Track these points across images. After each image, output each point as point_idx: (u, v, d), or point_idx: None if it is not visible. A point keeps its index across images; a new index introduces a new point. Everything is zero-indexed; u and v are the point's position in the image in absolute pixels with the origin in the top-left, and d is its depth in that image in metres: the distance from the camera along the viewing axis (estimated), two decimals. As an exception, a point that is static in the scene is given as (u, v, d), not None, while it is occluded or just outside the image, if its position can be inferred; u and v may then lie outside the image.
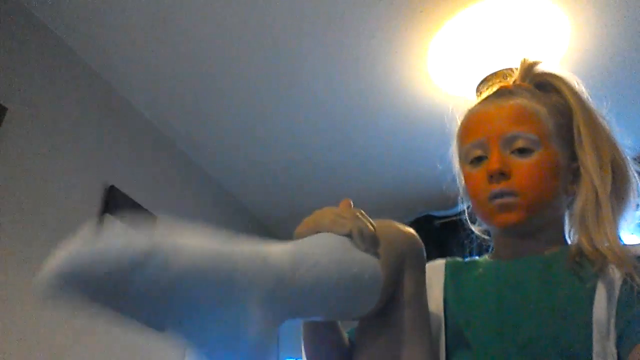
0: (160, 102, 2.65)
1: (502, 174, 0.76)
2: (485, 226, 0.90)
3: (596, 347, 0.63)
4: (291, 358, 3.69)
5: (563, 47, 2.40)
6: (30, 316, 1.85)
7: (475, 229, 0.93)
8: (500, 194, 0.76)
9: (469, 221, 0.93)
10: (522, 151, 0.77)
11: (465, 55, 2.41)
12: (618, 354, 0.63)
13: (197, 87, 2.57)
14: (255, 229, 3.64)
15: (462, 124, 0.87)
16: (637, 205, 0.79)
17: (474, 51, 2.39)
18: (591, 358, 0.63)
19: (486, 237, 0.92)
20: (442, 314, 0.78)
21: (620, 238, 0.74)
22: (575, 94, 0.83)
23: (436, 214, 3.50)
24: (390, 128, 2.85)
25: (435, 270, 0.86)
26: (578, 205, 0.76)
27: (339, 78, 2.52)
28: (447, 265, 0.88)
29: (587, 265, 0.71)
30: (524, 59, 0.90)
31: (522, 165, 0.76)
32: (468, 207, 0.92)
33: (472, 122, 0.85)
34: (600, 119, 0.83)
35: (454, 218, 3.32)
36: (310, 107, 2.71)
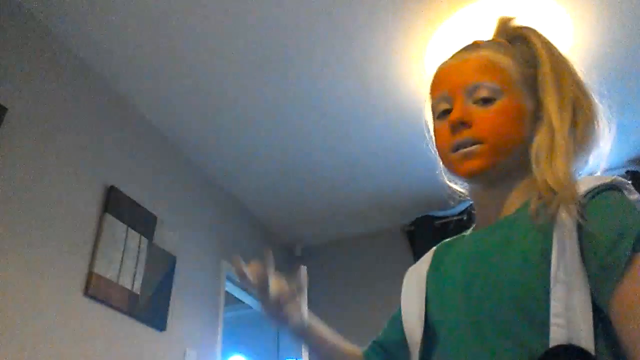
0: (161, 102, 2.65)
1: (463, 124, 0.77)
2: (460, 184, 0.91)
3: (555, 307, 0.63)
4: (291, 358, 3.70)
5: (565, 45, 2.40)
6: (31, 315, 1.85)
7: (454, 187, 0.93)
8: (463, 144, 0.77)
9: (447, 180, 0.93)
10: (485, 100, 0.78)
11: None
12: (594, 306, 0.63)
13: (197, 87, 2.57)
14: (255, 229, 3.64)
15: (432, 79, 0.87)
16: (599, 146, 0.80)
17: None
18: (548, 318, 0.63)
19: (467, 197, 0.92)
20: (423, 293, 0.84)
21: (573, 175, 0.74)
22: (544, 43, 0.83)
23: (436, 214, 3.50)
24: (389, 128, 2.85)
25: (425, 259, 0.92)
26: (534, 144, 0.76)
27: (338, 78, 2.52)
28: (436, 250, 0.93)
29: (543, 211, 0.71)
30: (501, 16, 0.91)
31: (484, 114, 0.77)
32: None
33: (438, 77, 0.86)
34: (569, 65, 0.82)
35: (454, 218, 3.32)
36: (309, 107, 2.71)
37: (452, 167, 0.81)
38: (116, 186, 2.36)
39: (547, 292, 0.65)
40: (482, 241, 0.79)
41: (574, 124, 0.76)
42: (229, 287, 3.21)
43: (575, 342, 0.61)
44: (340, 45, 2.36)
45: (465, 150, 0.77)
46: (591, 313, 0.63)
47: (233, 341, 4.03)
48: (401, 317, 0.88)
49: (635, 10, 2.24)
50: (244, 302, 3.51)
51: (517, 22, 0.88)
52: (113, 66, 2.43)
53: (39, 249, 1.94)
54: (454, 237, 0.92)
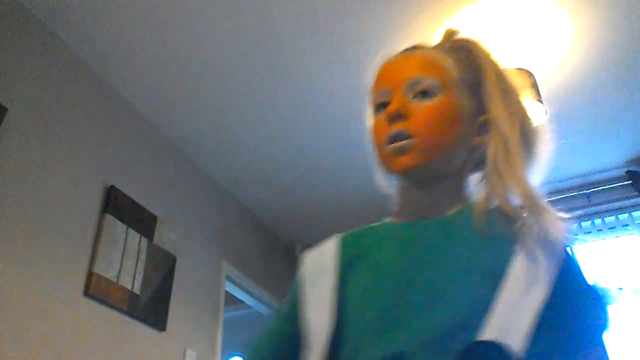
0: (160, 102, 2.65)
1: (400, 115, 0.76)
2: (388, 182, 0.88)
3: (491, 327, 0.62)
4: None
5: (565, 45, 2.40)
6: (31, 315, 1.85)
7: (382, 187, 0.90)
8: (397, 136, 0.76)
9: (378, 177, 0.90)
10: (424, 94, 0.78)
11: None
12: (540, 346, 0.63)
13: (197, 87, 2.57)
14: (255, 229, 3.64)
15: (374, 75, 0.87)
16: (542, 157, 0.78)
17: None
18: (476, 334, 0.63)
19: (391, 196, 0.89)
20: (331, 306, 0.75)
21: (538, 189, 0.74)
22: (487, 54, 0.83)
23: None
24: (391, 128, 2.85)
25: (328, 252, 0.84)
26: (489, 153, 0.76)
27: (339, 79, 2.52)
28: (342, 241, 0.85)
29: (500, 224, 0.71)
30: (447, 28, 0.90)
31: (422, 107, 0.77)
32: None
33: (381, 72, 0.86)
34: (512, 82, 0.81)
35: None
36: (310, 107, 2.71)
37: (384, 163, 0.80)
38: (116, 186, 2.36)
39: (487, 307, 0.64)
40: (416, 241, 0.76)
41: (522, 133, 0.76)
42: (229, 287, 3.21)
43: (502, 340, 0.61)
44: (340, 44, 2.36)
45: (397, 144, 0.76)
46: (529, 328, 0.62)
47: (233, 341, 4.03)
48: (294, 318, 0.79)
49: (635, 10, 2.24)
50: (244, 302, 3.51)
51: (463, 34, 0.88)
52: (113, 66, 2.43)
53: (39, 249, 1.94)
54: (364, 227, 0.87)
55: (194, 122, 2.79)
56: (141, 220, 2.46)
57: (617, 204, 3.24)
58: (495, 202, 0.73)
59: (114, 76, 2.48)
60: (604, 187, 3.24)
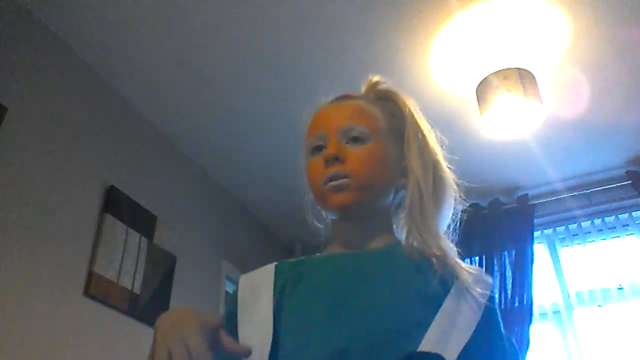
0: (160, 102, 2.65)
1: (337, 159, 0.85)
2: (322, 217, 0.98)
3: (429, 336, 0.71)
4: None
5: (562, 47, 2.40)
6: (31, 316, 1.85)
7: (315, 222, 1.00)
8: (335, 176, 0.84)
9: (309, 214, 1.00)
10: (356, 140, 0.87)
11: (467, 56, 2.41)
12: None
13: (197, 87, 2.57)
14: (255, 229, 3.64)
15: (309, 122, 0.96)
16: (452, 208, 0.90)
17: (476, 51, 2.39)
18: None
19: (322, 230, 0.98)
20: (270, 320, 0.80)
21: (445, 240, 0.85)
22: (407, 106, 0.93)
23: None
24: (391, 128, 2.85)
25: (264, 274, 0.89)
26: (406, 200, 0.86)
27: (340, 79, 2.52)
28: (277, 267, 0.90)
29: (424, 258, 0.81)
30: (370, 79, 1.01)
31: (355, 152, 0.86)
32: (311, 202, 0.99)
33: (316, 119, 0.95)
34: (427, 130, 0.93)
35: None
36: (310, 107, 2.70)
37: (321, 199, 0.88)
38: (116, 186, 2.36)
39: (425, 330, 0.72)
40: (350, 268, 0.82)
41: (434, 184, 0.86)
42: (229, 287, 3.21)
43: (439, 352, 0.69)
44: (341, 46, 2.36)
45: (335, 182, 0.84)
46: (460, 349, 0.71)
47: (233, 341, 4.02)
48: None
49: (632, 12, 2.24)
50: (244, 302, 3.50)
51: (385, 85, 0.99)
52: (113, 66, 2.43)
53: (39, 249, 1.94)
54: (297, 258, 0.93)
55: (194, 122, 2.79)
56: (141, 220, 2.46)
57: (617, 204, 3.24)
58: (415, 243, 0.83)
59: (114, 76, 2.48)
60: (604, 187, 3.24)
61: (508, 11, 2.21)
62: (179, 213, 2.80)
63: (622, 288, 3.02)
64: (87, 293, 2.07)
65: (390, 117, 0.92)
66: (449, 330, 0.72)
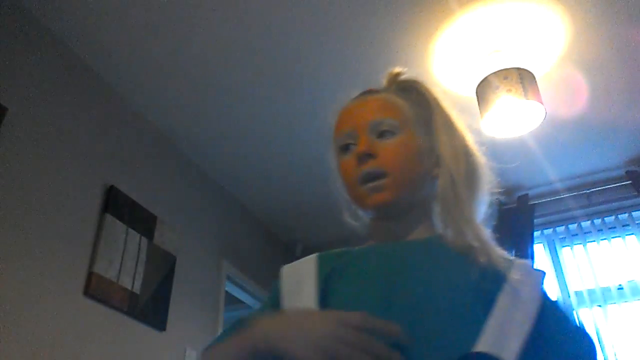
0: (160, 102, 2.65)
1: (369, 155, 0.83)
2: (358, 216, 0.95)
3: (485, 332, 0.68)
4: None
5: (562, 47, 2.40)
6: (31, 316, 1.85)
7: (353, 222, 0.97)
8: (371, 176, 0.82)
9: (345, 213, 0.97)
10: (386, 134, 0.85)
11: (467, 56, 2.41)
12: None
13: (197, 87, 2.57)
14: (255, 229, 3.64)
15: (335, 121, 0.94)
16: (487, 194, 0.87)
17: (476, 52, 2.39)
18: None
19: (359, 228, 0.95)
20: (315, 308, 0.78)
21: (484, 229, 0.81)
22: (432, 92, 0.92)
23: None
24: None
25: (307, 264, 0.87)
26: (439, 190, 0.84)
27: (341, 80, 2.52)
28: (320, 257, 0.88)
29: (472, 256, 0.76)
30: (391, 71, 0.99)
31: (387, 146, 0.84)
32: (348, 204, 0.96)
33: (342, 117, 0.92)
34: (455, 115, 0.90)
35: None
36: (311, 108, 2.70)
37: (359, 199, 0.86)
38: (116, 186, 2.36)
39: (480, 327, 0.68)
40: (397, 258, 0.80)
41: (467, 169, 0.84)
42: (229, 287, 3.21)
43: (496, 353, 0.65)
44: (342, 45, 2.36)
45: (372, 184, 0.82)
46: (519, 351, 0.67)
47: (233, 341, 4.02)
48: None
49: (632, 12, 2.24)
50: (244, 302, 3.50)
51: (407, 75, 0.97)
52: (113, 66, 2.43)
53: (39, 249, 1.94)
54: (340, 249, 0.91)
55: (194, 122, 2.79)
56: (141, 220, 2.46)
57: (617, 204, 3.24)
58: (452, 234, 0.81)
59: (114, 76, 2.48)
60: (604, 187, 3.24)
61: (508, 11, 2.21)
62: (179, 213, 2.81)
63: (622, 288, 3.02)
64: (87, 293, 2.07)
65: (416, 107, 0.90)
66: (506, 328, 0.68)
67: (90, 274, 2.10)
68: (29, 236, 1.92)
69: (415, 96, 0.92)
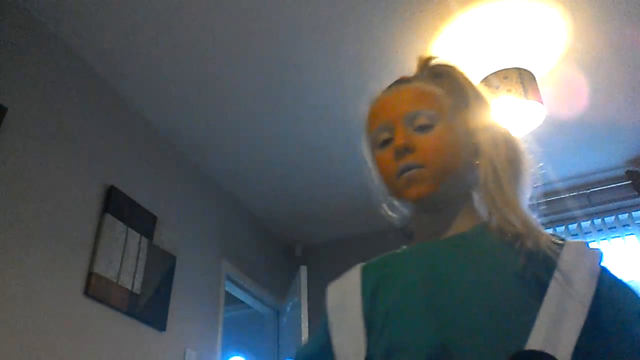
0: (160, 102, 2.65)
1: (407, 149, 0.80)
2: (401, 211, 0.92)
3: (536, 329, 0.65)
4: (291, 359, 3.70)
5: (562, 47, 2.40)
6: (31, 316, 1.85)
7: (394, 218, 0.94)
8: (408, 168, 0.80)
9: (384, 208, 0.95)
10: (424, 127, 0.82)
11: (467, 56, 2.41)
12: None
13: (197, 87, 2.57)
14: (255, 229, 3.64)
15: (367, 114, 0.91)
16: (532, 179, 0.83)
17: (476, 52, 2.39)
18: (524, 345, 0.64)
19: (406, 226, 0.93)
20: (361, 325, 0.77)
21: (532, 215, 0.78)
22: (466, 78, 0.89)
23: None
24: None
25: (351, 280, 0.86)
26: (480, 177, 0.81)
27: (340, 78, 2.52)
28: (364, 270, 0.87)
29: (520, 243, 0.73)
30: (420, 56, 0.95)
31: (425, 139, 0.81)
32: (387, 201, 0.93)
33: (375, 109, 0.89)
34: (490, 101, 0.87)
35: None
36: (310, 108, 2.71)
37: (398, 193, 0.83)
38: (116, 186, 2.36)
39: (531, 318, 0.65)
40: (440, 257, 0.78)
41: (508, 155, 0.80)
42: (229, 287, 3.21)
43: (549, 351, 0.62)
44: (342, 45, 2.36)
45: (409, 173, 0.79)
46: (573, 347, 0.63)
47: (233, 341, 4.03)
48: (327, 351, 0.80)
49: (632, 12, 2.24)
50: (244, 302, 3.51)
51: (439, 60, 0.93)
52: (113, 66, 2.43)
53: (39, 249, 1.94)
54: (383, 255, 0.89)
55: (194, 122, 2.79)
56: (141, 220, 2.46)
57: (617, 204, 3.24)
58: (497, 222, 0.77)
59: (114, 76, 2.48)
60: (604, 187, 3.24)
61: (508, 11, 2.21)
62: (179, 213, 2.81)
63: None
64: (87, 293, 2.07)
65: (451, 94, 0.86)
66: (559, 320, 0.64)
67: (90, 274, 2.10)
68: (29, 236, 1.92)
69: (448, 82, 0.88)
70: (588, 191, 3.27)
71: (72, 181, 2.18)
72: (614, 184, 3.21)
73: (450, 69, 0.91)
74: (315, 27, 2.28)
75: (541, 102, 2.31)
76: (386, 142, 0.84)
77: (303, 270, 3.16)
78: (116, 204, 2.33)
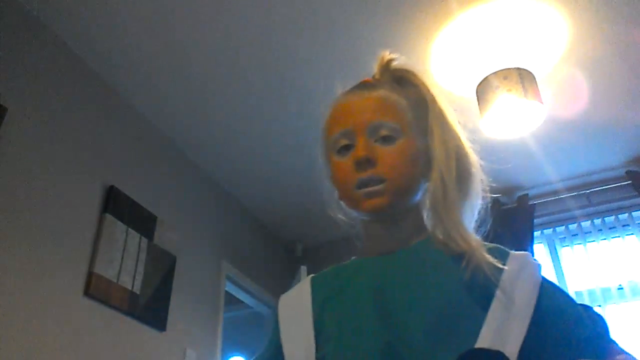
0: (160, 102, 2.65)
1: (369, 161, 0.80)
2: (350, 215, 0.93)
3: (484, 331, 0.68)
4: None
5: (562, 47, 2.40)
6: (31, 315, 1.85)
7: (340, 217, 0.95)
8: (368, 182, 0.80)
9: (333, 210, 0.96)
10: (386, 139, 0.81)
11: (467, 56, 2.41)
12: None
13: (197, 87, 2.57)
14: (255, 229, 3.64)
15: (329, 115, 0.91)
16: (480, 196, 0.84)
17: (476, 52, 2.39)
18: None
19: (352, 226, 0.94)
20: (312, 333, 0.79)
21: (467, 225, 0.80)
22: (428, 88, 0.87)
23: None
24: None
25: (301, 291, 0.87)
26: (429, 189, 0.82)
27: (341, 80, 2.52)
28: (314, 282, 0.88)
29: (462, 257, 0.75)
30: (382, 56, 0.95)
31: (387, 153, 0.80)
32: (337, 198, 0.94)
33: (338, 113, 0.89)
34: (449, 112, 0.86)
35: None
36: (310, 108, 2.70)
37: (354, 203, 0.83)
38: (116, 186, 2.36)
39: (478, 324, 0.69)
40: (388, 270, 0.80)
41: (458, 171, 0.81)
42: (229, 287, 3.21)
43: (498, 348, 0.65)
44: (341, 46, 2.36)
45: (369, 189, 0.79)
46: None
47: (233, 341, 4.03)
48: (279, 359, 0.82)
49: (632, 12, 2.24)
50: (244, 302, 3.51)
51: (399, 63, 0.93)
52: (113, 66, 2.43)
53: (39, 249, 1.94)
54: (334, 266, 0.91)
55: (194, 122, 2.79)
56: (141, 220, 2.46)
57: (617, 204, 3.24)
58: (441, 237, 0.79)
59: (114, 76, 2.48)
60: (604, 187, 3.24)
61: (508, 11, 2.21)
62: (179, 213, 2.81)
63: (622, 288, 3.02)
64: (87, 293, 2.07)
65: (414, 106, 0.86)
66: (505, 325, 0.68)
67: (90, 274, 2.10)
68: (29, 236, 1.92)
69: (413, 92, 0.87)
70: (588, 191, 3.26)
71: (72, 181, 2.18)
72: (614, 184, 3.21)
73: (411, 76, 0.90)
74: (315, 27, 2.28)
75: (541, 102, 2.31)
76: (346, 149, 0.84)
77: (303, 270, 3.16)
78: (116, 204, 2.33)
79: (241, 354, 4.39)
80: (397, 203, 0.81)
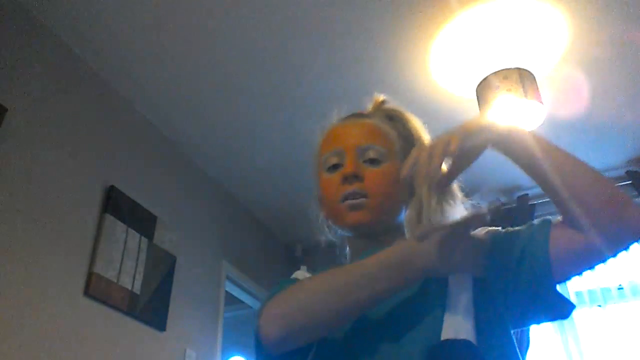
0: (160, 102, 2.65)
1: (356, 177, 0.87)
2: (337, 233, 1.00)
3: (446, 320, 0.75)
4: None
5: (562, 47, 2.40)
6: (31, 315, 1.85)
7: (328, 235, 1.02)
8: (352, 194, 0.86)
9: (324, 228, 1.02)
10: (373, 161, 0.89)
11: (467, 56, 2.41)
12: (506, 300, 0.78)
13: (198, 87, 2.57)
14: (255, 229, 3.64)
15: (322, 138, 0.97)
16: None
17: (476, 51, 2.39)
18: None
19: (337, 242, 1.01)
20: None
21: None
22: (415, 126, 0.97)
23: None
24: (391, 128, 2.85)
25: None
26: (405, 217, 0.91)
27: (339, 79, 2.52)
28: None
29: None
30: (376, 98, 1.04)
31: (373, 172, 0.88)
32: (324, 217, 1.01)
33: (330, 135, 0.96)
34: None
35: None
36: (310, 108, 2.70)
37: (337, 216, 0.90)
38: (116, 186, 2.36)
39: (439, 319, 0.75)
40: None
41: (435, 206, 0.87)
42: (229, 287, 3.21)
43: (461, 337, 0.72)
44: (341, 47, 2.36)
45: (352, 201, 0.86)
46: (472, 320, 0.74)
47: (233, 341, 4.02)
48: None
49: (632, 12, 2.24)
50: (244, 302, 3.51)
51: (392, 105, 1.02)
52: (113, 66, 2.43)
53: (39, 249, 1.94)
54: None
55: (194, 122, 2.79)
56: (141, 220, 2.46)
57: (617, 204, 3.24)
58: None
59: (114, 76, 2.48)
60: (604, 187, 3.23)
61: (508, 11, 2.21)
62: (179, 213, 2.81)
63: (622, 288, 3.02)
64: (87, 293, 2.07)
65: (402, 139, 0.94)
66: (459, 310, 0.75)
67: (90, 274, 2.10)
68: (29, 236, 1.92)
69: (401, 127, 0.96)
70: (588, 191, 3.26)
71: (72, 181, 2.18)
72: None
73: (400, 114, 0.99)
74: (315, 27, 2.28)
75: (541, 102, 2.31)
76: (335, 167, 0.90)
77: (303, 271, 3.15)
78: (116, 204, 2.33)
79: (241, 354, 4.39)
80: (379, 220, 0.88)
